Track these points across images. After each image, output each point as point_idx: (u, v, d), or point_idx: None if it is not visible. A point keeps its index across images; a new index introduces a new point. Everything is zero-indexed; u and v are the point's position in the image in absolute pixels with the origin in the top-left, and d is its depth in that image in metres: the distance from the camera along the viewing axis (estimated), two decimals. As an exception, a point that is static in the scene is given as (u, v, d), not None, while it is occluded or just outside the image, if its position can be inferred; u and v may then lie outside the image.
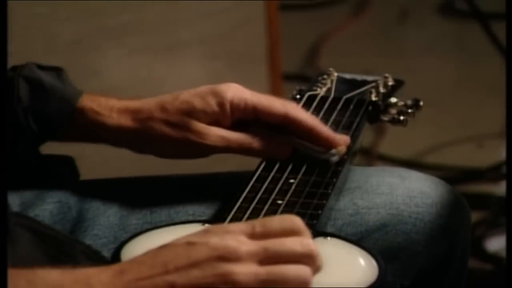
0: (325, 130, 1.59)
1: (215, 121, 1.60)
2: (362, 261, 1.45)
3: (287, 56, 2.74)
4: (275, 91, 2.62)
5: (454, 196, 1.74)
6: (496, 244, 2.64)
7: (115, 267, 1.33)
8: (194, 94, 1.64)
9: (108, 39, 2.48)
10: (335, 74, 1.86)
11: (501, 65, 3.22)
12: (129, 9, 2.49)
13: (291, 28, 2.83)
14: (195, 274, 1.31)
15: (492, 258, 2.61)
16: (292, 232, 1.33)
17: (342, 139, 1.56)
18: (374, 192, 1.68)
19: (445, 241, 1.70)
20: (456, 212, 1.74)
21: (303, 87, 1.87)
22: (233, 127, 1.58)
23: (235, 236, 1.34)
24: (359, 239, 1.56)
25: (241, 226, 1.37)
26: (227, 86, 1.62)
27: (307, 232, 1.32)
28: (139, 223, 1.63)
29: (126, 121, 1.64)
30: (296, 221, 1.34)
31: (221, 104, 1.59)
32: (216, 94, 1.61)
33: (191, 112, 1.62)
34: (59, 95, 1.63)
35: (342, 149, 1.58)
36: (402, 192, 1.68)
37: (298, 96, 1.80)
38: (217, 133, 1.60)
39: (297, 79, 2.83)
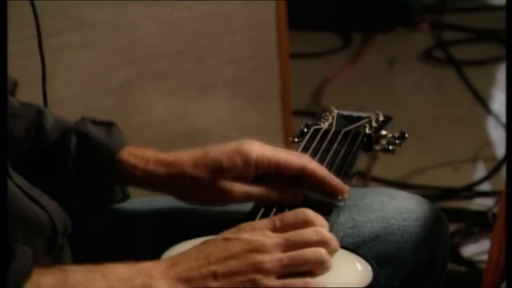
0: (335, 180, 1.54)
1: (240, 176, 1.55)
2: (359, 266, 1.45)
3: (296, 96, 2.71)
4: (286, 125, 2.60)
5: (434, 211, 1.72)
6: (470, 250, 2.63)
7: (169, 260, 1.37)
8: (222, 152, 1.58)
9: (149, 82, 2.46)
10: (336, 111, 1.85)
11: (472, 103, 3.19)
12: (166, 58, 2.46)
13: (299, 72, 2.79)
14: (232, 264, 1.34)
15: (466, 262, 2.61)
16: (307, 223, 1.38)
17: (346, 188, 1.52)
18: (369, 209, 1.67)
19: (428, 249, 1.69)
20: (437, 225, 1.72)
21: (309, 122, 1.85)
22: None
23: (261, 231, 1.39)
24: (356, 248, 1.52)
25: (265, 222, 1.40)
26: (251, 145, 1.57)
27: (320, 220, 1.39)
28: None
29: (159, 172, 1.60)
30: (307, 213, 1.39)
31: (246, 163, 1.56)
32: (242, 154, 1.56)
33: (219, 171, 1.56)
34: (102, 149, 1.61)
35: (347, 196, 1.54)
36: (391, 208, 1.68)
37: (305, 130, 1.78)
38: (240, 190, 1.55)
39: (304, 115, 2.79)
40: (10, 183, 1.42)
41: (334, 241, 1.37)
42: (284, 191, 1.53)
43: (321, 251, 1.36)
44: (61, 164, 1.58)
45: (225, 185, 1.53)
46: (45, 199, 1.47)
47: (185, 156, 1.57)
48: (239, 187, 1.52)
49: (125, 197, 1.63)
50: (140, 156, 1.60)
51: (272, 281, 1.34)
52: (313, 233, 1.39)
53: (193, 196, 1.59)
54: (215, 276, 1.35)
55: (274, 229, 1.40)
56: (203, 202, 1.59)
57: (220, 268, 1.35)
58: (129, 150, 1.60)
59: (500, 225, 1.45)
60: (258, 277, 1.35)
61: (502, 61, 3.39)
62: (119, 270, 1.35)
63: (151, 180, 1.58)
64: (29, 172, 1.47)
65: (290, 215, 1.42)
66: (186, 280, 1.35)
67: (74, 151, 1.60)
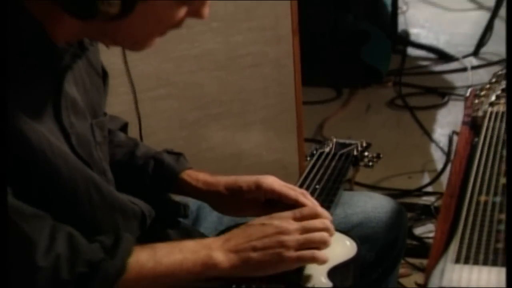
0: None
1: (254, 199, 1.56)
2: (348, 243, 1.48)
3: (307, 129, 2.72)
4: (300, 149, 2.59)
5: (397, 206, 1.74)
6: (419, 230, 2.64)
7: (223, 237, 1.39)
8: (244, 181, 1.58)
9: (211, 120, 2.49)
10: (334, 139, 1.86)
11: (421, 134, 3.16)
12: (223, 104, 2.50)
13: (308, 114, 2.78)
14: (266, 241, 1.35)
15: (417, 238, 2.60)
16: (316, 215, 1.42)
17: (328, 216, 1.49)
18: (355, 205, 1.70)
19: (394, 231, 1.72)
20: (399, 215, 1.75)
21: (317, 147, 1.86)
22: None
23: (286, 220, 1.40)
24: (347, 231, 1.53)
25: (289, 213, 1.42)
26: (266, 179, 1.56)
27: (325, 214, 1.45)
28: (230, 221, 1.60)
29: (203, 189, 1.59)
30: (318, 208, 1.46)
31: (258, 191, 1.55)
32: (258, 184, 1.56)
33: (240, 194, 1.56)
34: (170, 171, 1.58)
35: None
36: (370, 205, 1.71)
37: (314, 152, 1.81)
38: (250, 209, 1.55)
39: (312, 142, 2.80)
40: (112, 189, 1.39)
41: (332, 229, 1.42)
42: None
43: (324, 235, 1.40)
44: (142, 179, 1.58)
45: (242, 206, 1.55)
46: (135, 199, 1.45)
47: (222, 180, 1.58)
48: (249, 208, 1.54)
49: (186, 215, 1.62)
50: (194, 177, 1.60)
51: (291, 253, 1.35)
52: (320, 223, 1.42)
53: (220, 208, 1.60)
54: (254, 249, 1.36)
55: (295, 219, 1.41)
56: (225, 213, 1.60)
57: (258, 244, 1.36)
58: (188, 173, 1.60)
59: (442, 216, 1.43)
60: (283, 250, 1.36)
61: (441, 107, 3.40)
62: (190, 245, 1.36)
63: (198, 194, 1.59)
64: (125, 183, 1.47)
65: (306, 210, 1.45)
66: (235, 251, 1.36)
67: (151, 171, 1.56)
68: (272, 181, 1.53)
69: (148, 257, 1.30)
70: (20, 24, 1.18)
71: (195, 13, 1.26)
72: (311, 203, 1.49)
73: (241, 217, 1.55)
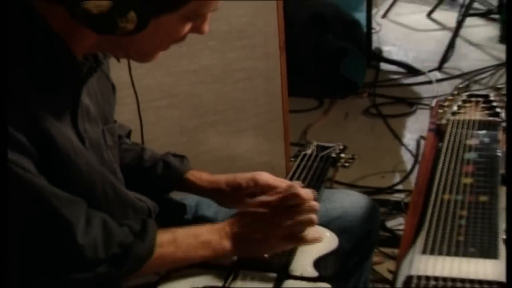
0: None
1: (251, 193, 1.55)
2: (328, 235, 1.49)
3: (293, 134, 2.71)
4: (287, 151, 2.58)
5: (371, 202, 1.73)
6: (390, 223, 2.64)
7: (230, 223, 1.42)
8: (242, 178, 1.59)
9: (208, 127, 2.49)
10: (315, 143, 1.84)
11: (392, 138, 3.16)
12: (218, 113, 2.51)
13: (294, 121, 2.78)
14: (265, 227, 1.41)
15: (389, 230, 2.59)
16: (304, 200, 1.43)
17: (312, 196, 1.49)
18: (335, 201, 1.67)
19: (368, 224, 1.71)
20: (373, 210, 1.74)
21: (300, 149, 1.85)
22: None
23: (279, 207, 1.43)
24: (327, 224, 1.54)
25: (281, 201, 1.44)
26: (261, 175, 1.57)
27: (310, 196, 1.44)
28: (225, 215, 1.57)
29: (206, 187, 1.61)
30: (302, 192, 1.44)
31: (255, 186, 1.55)
32: (254, 180, 1.57)
33: (239, 189, 1.58)
34: (176, 171, 1.60)
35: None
36: (348, 201, 1.69)
37: (298, 154, 1.80)
38: (246, 202, 1.53)
39: (298, 145, 2.78)
40: (124, 188, 1.39)
41: (318, 206, 1.44)
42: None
43: (311, 216, 1.42)
44: (151, 180, 1.58)
45: (240, 199, 1.55)
46: (143, 196, 1.45)
47: (222, 178, 1.59)
48: (246, 201, 1.53)
49: (185, 212, 1.65)
50: (198, 177, 1.60)
51: (285, 236, 1.40)
52: (307, 206, 1.43)
53: (222, 202, 1.60)
54: (255, 234, 1.40)
55: (286, 205, 1.44)
56: (227, 207, 1.60)
57: (258, 229, 1.41)
58: (192, 173, 1.60)
59: (410, 211, 1.42)
60: (278, 233, 1.41)
61: (410, 115, 3.40)
62: (203, 231, 1.38)
63: (203, 191, 1.60)
64: (133, 183, 1.46)
65: (295, 196, 1.45)
66: (240, 237, 1.40)
67: (160, 172, 1.57)
68: (267, 177, 1.54)
69: (169, 242, 1.33)
70: (45, 40, 1.17)
71: (197, 29, 1.27)
72: (300, 191, 1.49)
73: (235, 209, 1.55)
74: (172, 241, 1.32)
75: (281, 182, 1.53)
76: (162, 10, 1.16)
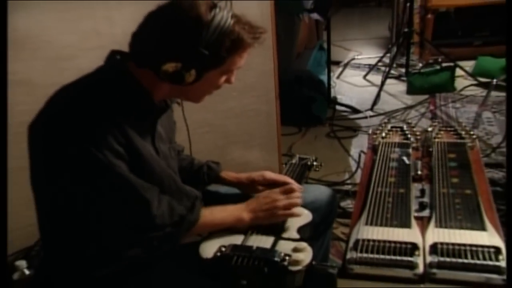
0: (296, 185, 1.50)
1: (261, 184, 1.52)
2: (306, 212, 1.52)
3: (283, 149, 2.68)
4: (279, 160, 2.52)
5: (332, 191, 1.71)
6: (343, 203, 2.55)
7: (247, 203, 1.38)
8: (256, 174, 1.55)
9: (231, 145, 2.39)
10: (297, 155, 1.82)
11: (344, 152, 3.12)
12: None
13: (284, 141, 2.75)
14: (269, 205, 1.38)
15: (341, 208, 2.51)
16: (294, 190, 1.43)
17: (301, 187, 1.48)
18: (310, 191, 1.62)
19: (330, 205, 1.64)
20: (333, 196, 1.66)
21: (288, 159, 1.82)
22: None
23: (278, 193, 1.42)
24: (305, 206, 1.49)
25: (280, 189, 1.44)
26: (267, 173, 1.54)
27: (298, 189, 1.45)
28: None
29: (233, 182, 1.56)
30: (295, 186, 1.46)
31: (263, 179, 1.53)
32: (263, 176, 1.53)
33: (254, 182, 1.53)
34: (214, 171, 1.59)
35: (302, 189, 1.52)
36: (317, 191, 1.64)
37: (286, 162, 1.80)
38: (259, 189, 1.52)
39: (286, 156, 2.73)
40: (181, 183, 1.37)
41: (301, 197, 1.43)
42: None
43: (298, 200, 1.42)
44: (199, 177, 1.54)
45: (255, 188, 1.53)
46: (192, 188, 1.43)
47: (243, 175, 1.54)
48: (258, 190, 1.51)
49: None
50: (228, 175, 1.58)
51: (282, 211, 1.38)
52: (296, 194, 1.43)
53: (243, 190, 1.55)
54: (263, 210, 1.36)
55: (283, 192, 1.43)
56: (248, 192, 1.54)
57: (264, 207, 1.37)
58: (224, 172, 1.57)
59: (357, 198, 1.41)
60: (277, 210, 1.38)
61: (354, 138, 3.34)
62: (229, 208, 1.34)
63: (230, 184, 1.57)
64: (187, 179, 1.44)
65: (289, 187, 1.46)
66: (253, 212, 1.35)
67: (205, 172, 1.55)
68: (270, 173, 1.53)
69: (208, 214, 1.31)
70: (136, 90, 1.19)
71: (228, 80, 1.28)
72: (292, 182, 1.52)
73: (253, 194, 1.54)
74: (210, 213, 1.31)
75: (280, 177, 1.54)
76: (211, 67, 1.17)
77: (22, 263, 1.67)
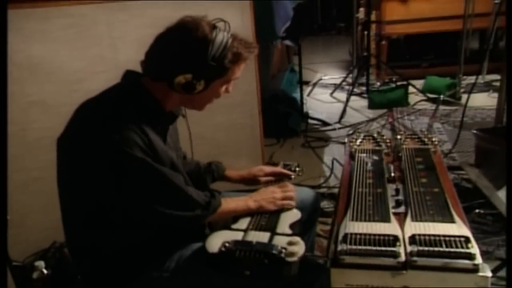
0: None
1: (259, 175, 1.53)
2: (295, 211, 1.44)
3: (266, 157, 2.66)
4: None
5: (315, 193, 1.68)
6: (323, 204, 2.54)
7: (252, 195, 1.39)
8: (256, 169, 1.56)
9: (221, 154, 2.39)
10: (282, 162, 1.77)
11: (318, 159, 3.11)
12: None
13: (266, 150, 2.74)
14: (269, 196, 1.39)
15: (321, 209, 2.47)
16: (288, 187, 1.44)
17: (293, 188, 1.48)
18: (298, 193, 1.57)
19: (314, 206, 1.63)
20: (316, 197, 1.65)
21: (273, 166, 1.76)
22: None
23: (276, 188, 1.44)
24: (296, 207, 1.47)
25: (277, 185, 1.46)
26: (264, 167, 1.56)
27: (292, 188, 1.45)
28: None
29: (236, 178, 1.56)
30: (290, 186, 1.47)
31: (262, 172, 1.53)
32: (261, 170, 1.55)
33: (254, 175, 1.54)
34: (221, 169, 1.60)
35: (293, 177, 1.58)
36: (303, 194, 1.67)
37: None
38: (259, 182, 1.54)
39: (268, 164, 2.70)
40: (189, 181, 1.34)
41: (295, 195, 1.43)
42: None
43: (292, 194, 1.43)
44: (205, 177, 1.52)
45: (255, 182, 1.55)
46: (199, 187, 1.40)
47: (244, 172, 1.54)
48: (258, 182, 1.53)
49: (220, 193, 1.53)
50: (232, 173, 1.57)
51: (279, 202, 1.39)
52: (290, 190, 1.44)
53: (247, 183, 1.57)
54: (264, 200, 1.38)
55: (280, 187, 1.45)
56: (251, 185, 1.56)
57: (265, 197, 1.39)
58: (228, 171, 1.57)
59: (341, 197, 1.40)
60: (276, 200, 1.39)
61: (326, 147, 3.34)
62: (239, 199, 1.37)
63: (234, 180, 1.58)
64: (194, 179, 1.40)
65: (284, 185, 1.47)
66: (257, 201, 1.37)
67: (214, 169, 1.55)
68: (267, 167, 1.58)
69: (223, 202, 1.31)
70: (149, 102, 1.21)
71: (227, 90, 1.30)
72: (286, 172, 1.57)
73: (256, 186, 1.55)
74: (224, 202, 1.31)
75: (276, 169, 1.59)
76: (216, 76, 1.19)
77: (40, 263, 1.64)
